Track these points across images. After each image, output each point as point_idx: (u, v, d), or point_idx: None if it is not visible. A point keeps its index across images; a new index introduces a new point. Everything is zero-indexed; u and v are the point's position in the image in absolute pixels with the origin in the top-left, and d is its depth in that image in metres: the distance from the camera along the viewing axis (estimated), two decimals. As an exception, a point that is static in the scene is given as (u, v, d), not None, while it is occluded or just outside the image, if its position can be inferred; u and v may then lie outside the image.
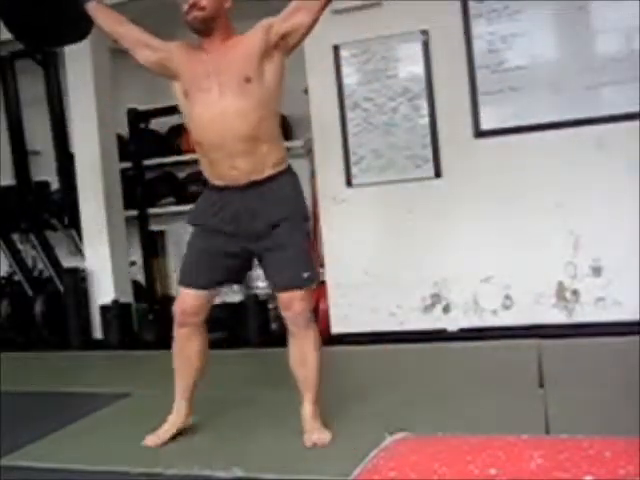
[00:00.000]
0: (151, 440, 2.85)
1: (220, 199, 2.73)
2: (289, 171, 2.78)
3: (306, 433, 2.73)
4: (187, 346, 2.87)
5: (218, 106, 2.59)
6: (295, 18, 2.61)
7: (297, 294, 2.71)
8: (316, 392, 2.80)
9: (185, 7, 2.59)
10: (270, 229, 2.68)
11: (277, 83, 2.69)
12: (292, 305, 2.72)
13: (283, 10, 2.65)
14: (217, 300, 6.23)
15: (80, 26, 2.99)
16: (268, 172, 2.67)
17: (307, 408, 2.79)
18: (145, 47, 2.77)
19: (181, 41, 2.79)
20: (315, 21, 2.64)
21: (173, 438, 2.88)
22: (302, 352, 2.79)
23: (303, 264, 2.72)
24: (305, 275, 2.71)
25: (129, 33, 2.81)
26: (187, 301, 2.83)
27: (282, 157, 2.75)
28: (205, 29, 2.63)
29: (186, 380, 2.91)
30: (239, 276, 2.95)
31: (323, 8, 2.62)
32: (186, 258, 2.91)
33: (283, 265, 2.71)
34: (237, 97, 2.58)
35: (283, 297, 2.74)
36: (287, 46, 2.67)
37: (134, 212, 5.97)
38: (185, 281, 2.87)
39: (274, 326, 5.09)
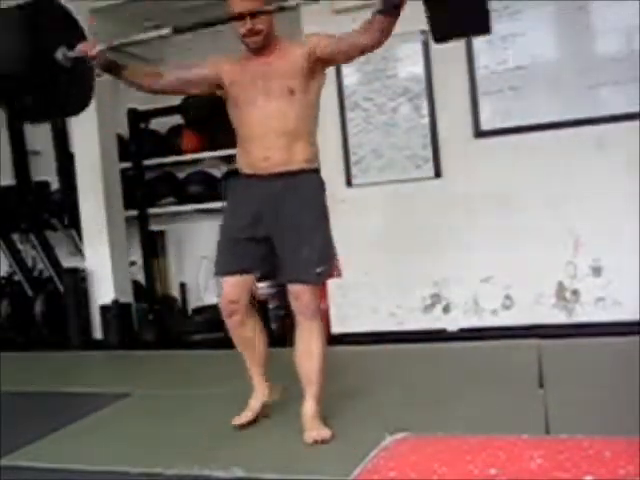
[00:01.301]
0: (235, 420, 2.93)
1: (248, 187, 2.88)
2: (316, 171, 2.93)
3: (306, 431, 2.75)
4: (243, 331, 2.96)
5: (264, 110, 2.77)
6: (335, 48, 2.75)
7: (307, 287, 2.79)
8: (319, 389, 2.84)
9: (242, 31, 2.74)
10: (289, 220, 2.79)
11: (319, 93, 2.89)
12: (300, 296, 2.80)
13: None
14: (217, 300, 6.24)
15: (85, 98, 2.98)
16: (296, 166, 2.81)
17: (308, 405, 2.82)
18: (195, 85, 2.96)
19: (221, 56, 2.94)
20: (362, 49, 2.76)
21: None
22: (307, 343, 2.84)
23: (317, 260, 2.78)
24: (318, 270, 2.78)
25: (170, 82, 2.95)
26: (227, 290, 2.92)
27: (313, 156, 2.89)
28: (262, 47, 2.79)
29: (256, 360, 3.01)
30: (265, 265, 2.92)
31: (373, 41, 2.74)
32: (217, 249, 3.01)
33: (297, 259, 2.78)
34: (280, 104, 2.76)
35: (293, 288, 2.82)
36: (329, 64, 2.87)
37: (134, 212, 5.97)
38: (219, 271, 2.98)
39: (274, 326, 5.09)
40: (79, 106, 2.91)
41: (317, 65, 2.79)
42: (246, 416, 2.95)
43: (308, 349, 2.84)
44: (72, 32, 2.84)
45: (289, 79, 2.75)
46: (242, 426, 2.93)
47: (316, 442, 2.69)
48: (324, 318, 4.76)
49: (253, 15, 2.68)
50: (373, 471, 0.94)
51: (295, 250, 2.78)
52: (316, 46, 2.75)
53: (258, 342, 3.00)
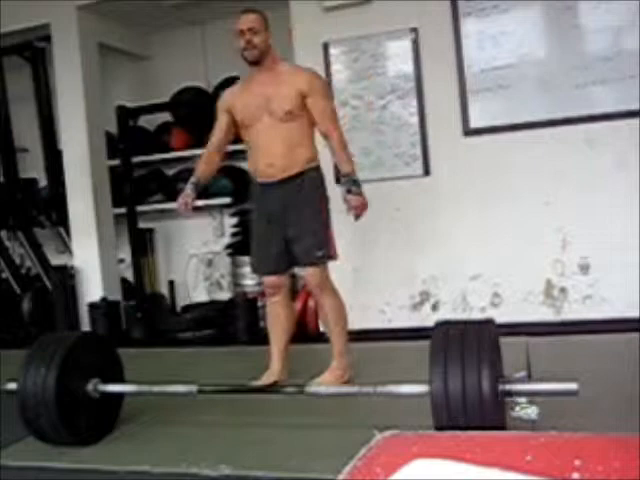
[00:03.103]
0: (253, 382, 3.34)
1: (262, 193, 3.40)
2: (317, 168, 3.40)
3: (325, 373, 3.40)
4: (277, 311, 3.54)
5: (269, 127, 3.28)
6: (319, 116, 3.31)
7: (310, 270, 3.37)
8: (341, 346, 3.48)
9: (241, 45, 3.28)
10: (297, 217, 3.31)
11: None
12: (309, 279, 3.43)
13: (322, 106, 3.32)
14: (206, 298, 6.24)
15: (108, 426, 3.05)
16: (299, 169, 3.31)
17: (335, 352, 3.47)
18: (228, 133, 3.50)
19: (232, 87, 3.58)
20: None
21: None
22: (325, 311, 3.48)
23: (318, 245, 3.32)
24: (319, 253, 3.32)
25: (219, 148, 3.54)
26: (269, 280, 3.51)
27: (312, 157, 3.38)
28: (257, 61, 3.32)
29: (278, 338, 3.54)
30: (289, 262, 3.46)
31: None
32: (251, 250, 3.57)
33: (304, 247, 3.32)
34: (282, 121, 3.27)
35: (307, 272, 3.40)
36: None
37: (123, 209, 5.94)
38: (256, 271, 3.63)
39: (262, 324, 5.08)
40: (102, 433, 2.97)
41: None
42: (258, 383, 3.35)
43: (329, 317, 3.47)
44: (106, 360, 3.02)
45: (288, 103, 3.26)
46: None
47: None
48: (312, 316, 4.78)
49: (251, 30, 3.25)
50: (362, 469, 0.94)
51: (304, 241, 3.32)
52: (312, 95, 3.28)
53: (286, 323, 3.55)
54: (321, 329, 3.72)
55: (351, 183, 3.29)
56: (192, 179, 3.44)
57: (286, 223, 3.34)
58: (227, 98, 3.46)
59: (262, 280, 3.65)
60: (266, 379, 3.43)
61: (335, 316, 3.48)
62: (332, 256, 3.40)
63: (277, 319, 3.56)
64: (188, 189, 3.38)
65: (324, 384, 3.21)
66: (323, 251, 3.35)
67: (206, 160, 3.50)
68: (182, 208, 3.38)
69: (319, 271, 3.38)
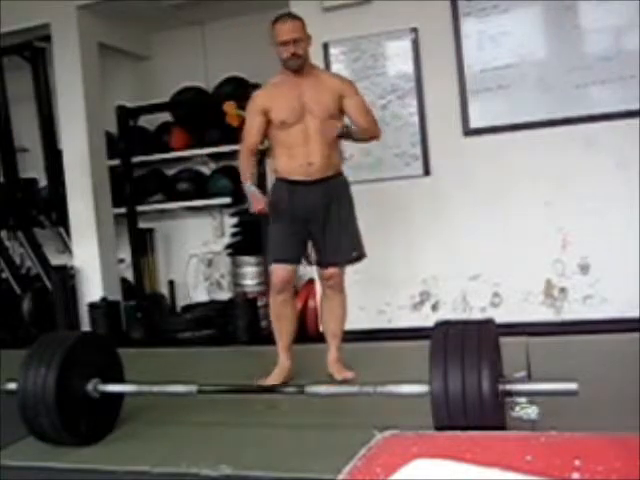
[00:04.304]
0: (262, 381, 3.44)
1: (291, 192, 3.47)
2: (343, 174, 3.64)
3: (334, 374, 3.56)
4: (283, 308, 3.62)
5: (311, 128, 3.42)
6: (355, 112, 3.52)
7: (333, 270, 3.57)
8: (340, 341, 3.67)
9: (285, 55, 3.39)
10: (335, 217, 3.49)
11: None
12: (335, 277, 3.59)
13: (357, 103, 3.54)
14: (206, 298, 6.24)
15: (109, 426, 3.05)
16: (333, 172, 3.51)
17: (333, 353, 3.66)
18: (264, 132, 3.53)
19: (263, 89, 3.62)
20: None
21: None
22: (335, 309, 3.67)
23: (355, 245, 3.56)
24: (354, 254, 3.56)
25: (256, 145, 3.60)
26: (280, 274, 3.52)
27: (340, 163, 3.65)
28: (299, 68, 3.44)
29: (285, 337, 3.63)
30: (303, 254, 3.63)
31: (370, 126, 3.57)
32: (271, 241, 3.60)
33: (340, 247, 3.52)
34: (323, 122, 3.41)
35: (329, 271, 3.58)
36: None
37: (123, 209, 5.94)
38: (276, 258, 3.55)
39: (263, 324, 5.08)
40: (102, 433, 2.97)
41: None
42: (272, 380, 3.46)
43: (335, 313, 3.68)
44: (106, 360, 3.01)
45: (330, 105, 3.43)
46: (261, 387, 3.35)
47: (345, 380, 3.43)
48: (313, 315, 4.79)
49: (296, 41, 3.35)
50: (362, 469, 0.94)
51: (339, 240, 3.50)
52: (349, 94, 3.49)
53: (292, 320, 3.66)
54: (320, 329, 3.71)
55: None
56: (249, 184, 3.45)
57: (321, 222, 3.48)
58: (262, 100, 3.49)
59: (271, 275, 3.64)
60: (277, 377, 3.50)
61: (344, 313, 3.70)
62: (362, 255, 3.61)
63: (283, 317, 3.64)
64: (256, 192, 3.43)
65: (344, 375, 3.51)
66: (358, 252, 3.57)
67: (249, 163, 3.55)
68: (262, 210, 3.41)
69: (342, 270, 3.61)
